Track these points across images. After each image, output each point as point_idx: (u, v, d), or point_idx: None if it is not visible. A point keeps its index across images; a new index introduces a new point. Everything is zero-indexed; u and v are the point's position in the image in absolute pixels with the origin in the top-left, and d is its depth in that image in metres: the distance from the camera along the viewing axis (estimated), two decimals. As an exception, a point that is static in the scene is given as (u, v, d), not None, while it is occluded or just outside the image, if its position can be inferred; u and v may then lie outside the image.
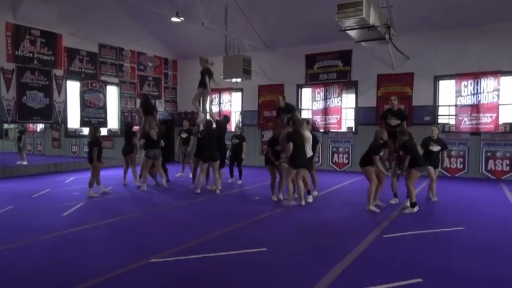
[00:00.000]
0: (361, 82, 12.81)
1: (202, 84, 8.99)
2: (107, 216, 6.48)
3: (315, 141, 8.01)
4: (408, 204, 6.72)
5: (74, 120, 13.02)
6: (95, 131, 8.32)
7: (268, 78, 14.26)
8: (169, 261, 4.29)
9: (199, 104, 9.52)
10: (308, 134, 7.55)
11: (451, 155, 11.47)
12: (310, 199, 7.62)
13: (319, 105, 13.42)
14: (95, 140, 8.18)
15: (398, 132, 7.12)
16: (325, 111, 13.28)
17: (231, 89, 15.00)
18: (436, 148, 7.54)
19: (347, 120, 13.38)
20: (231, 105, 15.25)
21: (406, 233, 5.43)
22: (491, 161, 11.02)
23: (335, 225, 6.02)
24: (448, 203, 7.31)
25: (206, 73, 8.93)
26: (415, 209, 6.64)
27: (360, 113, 12.92)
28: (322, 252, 4.64)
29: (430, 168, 7.45)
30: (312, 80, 13.59)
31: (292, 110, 8.24)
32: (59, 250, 4.74)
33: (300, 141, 7.10)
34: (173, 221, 6.36)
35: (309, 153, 7.51)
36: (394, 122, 7.87)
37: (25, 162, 13.07)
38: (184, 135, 11.15)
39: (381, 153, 6.95)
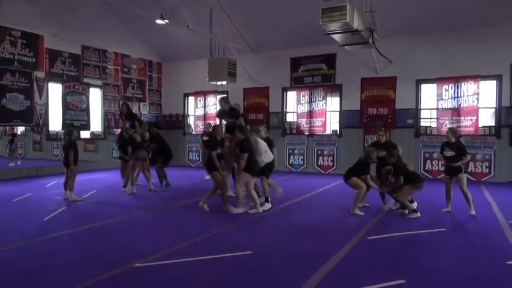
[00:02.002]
0: (346, 85, 12.95)
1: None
2: (89, 220, 6.37)
3: (271, 144, 7.71)
4: (406, 211, 6.72)
5: (55, 122, 12.78)
6: (69, 133, 8.19)
7: (254, 81, 14.29)
8: (154, 265, 4.24)
9: None
10: (262, 141, 7.24)
11: (432, 157, 11.71)
12: (267, 206, 7.28)
13: (304, 108, 13.51)
14: (70, 143, 8.05)
15: (387, 155, 6.90)
16: (310, 114, 13.38)
17: (216, 92, 14.96)
18: (449, 153, 6.88)
19: (332, 123, 13.50)
20: (216, 108, 15.19)
21: (390, 235, 5.50)
22: (471, 164, 11.24)
23: (320, 227, 6.05)
24: (430, 205, 7.42)
25: None
26: (418, 213, 6.60)
27: (344, 116, 13.05)
28: (307, 255, 4.66)
29: (447, 176, 7.06)
30: (297, 83, 13.67)
31: (237, 115, 7.99)
32: (40, 256, 4.64)
33: (252, 148, 6.87)
34: (158, 224, 6.30)
35: (271, 157, 7.29)
36: (381, 153, 7.71)
37: (11, 164, 13.06)
38: (205, 138, 11.02)
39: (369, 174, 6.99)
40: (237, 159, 6.96)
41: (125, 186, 9.22)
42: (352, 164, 7.29)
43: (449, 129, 7.25)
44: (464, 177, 6.87)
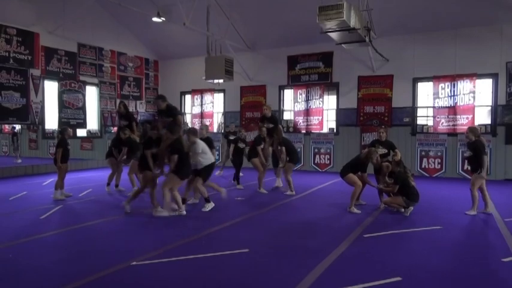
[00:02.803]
0: (342, 84, 12.96)
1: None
2: (85, 218, 6.35)
3: (211, 145, 7.54)
4: (402, 209, 6.75)
5: (51, 121, 12.73)
6: (61, 132, 8.18)
7: (251, 79, 14.28)
8: (151, 263, 4.24)
9: None
10: (199, 142, 6.98)
11: (428, 155, 11.76)
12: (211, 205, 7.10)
13: (301, 106, 13.51)
14: (61, 141, 8.04)
15: (394, 162, 6.96)
16: (307, 113, 13.39)
17: (213, 90, 14.94)
18: (467, 153, 6.79)
19: (328, 121, 13.52)
20: (213, 106, 15.20)
21: (386, 233, 5.52)
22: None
23: (317, 225, 6.07)
24: (426, 202, 7.45)
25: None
26: (411, 208, 6.68)
27: (341, 114, 13.07)
28: (304, 253, 4.67)
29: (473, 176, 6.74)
30: (294, 82, 13.67)
31: (175, 113, 7.68)
32: (36, 254, 4.62)
33: (184, 149, 6.66)
34: (153, 223, 6.28)
35: (210, 159, 7.06)
36: (381, 150, 7.69)
37: (18, 161, 13.42)
38: (231, 137, 11.06)
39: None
40: (169, 160, 6.68)
41: (116, 185, 9.16)
42: (350, 160, 7.31)
43: (469, 128, 6.90)
44: (477, 178, 6.60)
